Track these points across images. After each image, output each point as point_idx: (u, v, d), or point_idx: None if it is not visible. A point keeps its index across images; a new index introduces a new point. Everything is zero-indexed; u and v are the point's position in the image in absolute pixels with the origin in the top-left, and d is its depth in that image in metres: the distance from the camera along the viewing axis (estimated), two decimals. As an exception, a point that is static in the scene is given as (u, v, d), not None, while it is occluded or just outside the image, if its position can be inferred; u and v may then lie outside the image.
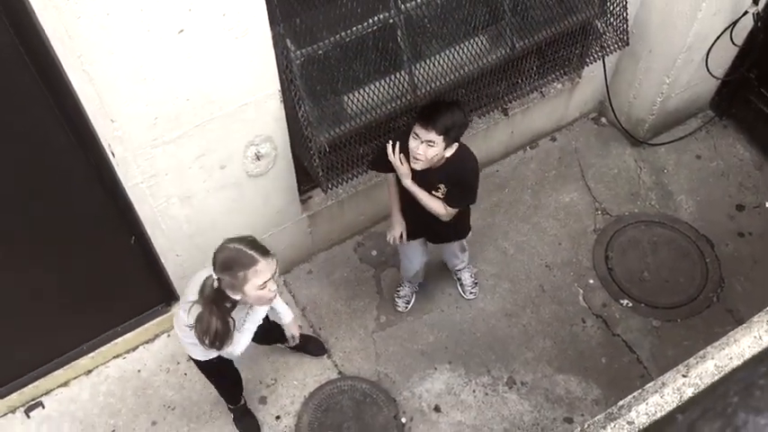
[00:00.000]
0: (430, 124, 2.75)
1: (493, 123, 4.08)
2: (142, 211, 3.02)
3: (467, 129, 2.91)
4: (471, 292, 3.93)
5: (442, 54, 3.28)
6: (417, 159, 2.84)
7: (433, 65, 3.25)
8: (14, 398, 3.53)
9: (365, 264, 4.09)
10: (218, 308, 2.48)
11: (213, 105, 2.79)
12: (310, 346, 3.74)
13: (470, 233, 3.50)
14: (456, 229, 3.37)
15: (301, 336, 3.66)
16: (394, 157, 2.90)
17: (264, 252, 2.44)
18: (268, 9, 2.63)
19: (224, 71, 2.70)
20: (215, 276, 2.44)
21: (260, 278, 2.41)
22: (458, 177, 2.96)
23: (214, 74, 2.68)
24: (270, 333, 3.27)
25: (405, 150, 2.89)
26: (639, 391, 1.68)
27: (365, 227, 4.15)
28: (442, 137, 2.76)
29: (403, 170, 2.92)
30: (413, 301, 3.92)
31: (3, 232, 2.85)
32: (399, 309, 3.90)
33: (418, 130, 2.79)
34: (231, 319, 2.55)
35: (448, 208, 3.01)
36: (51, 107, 2.54)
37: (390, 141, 2.92)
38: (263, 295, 2.47)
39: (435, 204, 3.00)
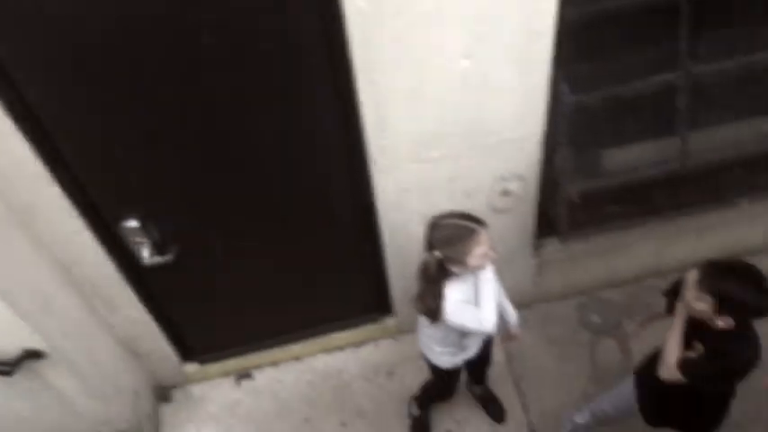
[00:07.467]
0: (706, 279, 2.35)
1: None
2: (386, 222, 3.13)
3: (755, 314, 2.35)
4: None
5: (725, 127, 3.04)
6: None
7: (713, 136, 3.03)
8: (231, 364, 3.85)
9: (584, 328, 3.88)
10: (436, 285, 2.53)
11: (476, 135, 2.82)
12: (491, 406, 3.60)
13: None
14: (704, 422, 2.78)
15: (488, 394, 3.58)
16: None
17: (480, 221, 2.48)
18: (553, 50, 2.62)
19: (496, 103, 2.72)
20: (437, 254, 2.48)
21: (481, 247, 2.45)
22: (715, 350, 2.45)
23: (486, 104, 2.71)
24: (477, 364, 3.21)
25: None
26: None
27: (592, 288, 3.95)
28: (708, 295, 2.33)
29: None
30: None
31: (265, 219, 3.12)
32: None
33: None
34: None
35: (676, 370, 2.48)
36: (334, 106, 2.72)
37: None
38: (485, 261, 2.52)
39: (672, 346, 2.51)
